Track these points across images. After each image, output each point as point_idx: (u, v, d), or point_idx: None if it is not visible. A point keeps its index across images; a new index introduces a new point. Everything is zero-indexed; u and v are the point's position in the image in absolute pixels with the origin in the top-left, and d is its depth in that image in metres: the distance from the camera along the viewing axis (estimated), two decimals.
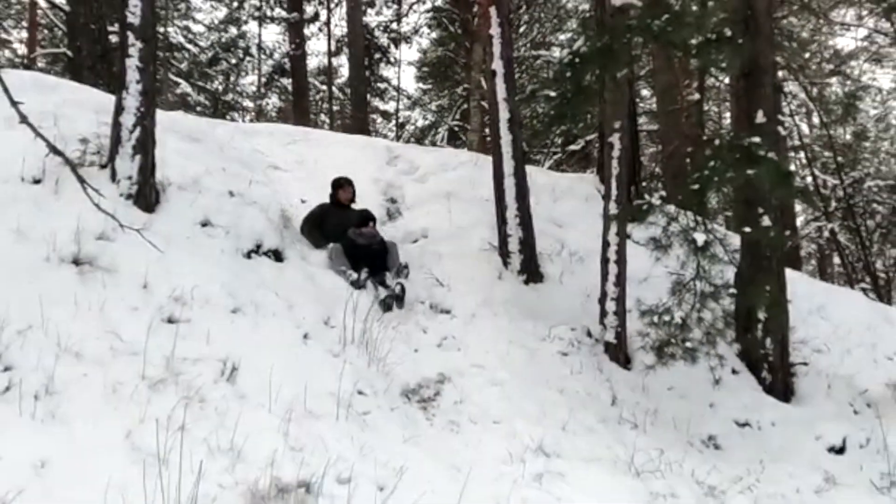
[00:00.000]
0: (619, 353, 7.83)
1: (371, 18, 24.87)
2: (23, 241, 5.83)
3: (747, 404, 7.76)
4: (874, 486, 6.78)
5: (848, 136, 22.41)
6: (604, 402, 7.12)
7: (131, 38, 6.74)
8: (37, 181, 6.50)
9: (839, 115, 20.18)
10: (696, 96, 16.10)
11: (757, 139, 6.92)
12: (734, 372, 8.17)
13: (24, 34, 22.58)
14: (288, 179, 9.83)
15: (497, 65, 9.01)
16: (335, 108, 27.56)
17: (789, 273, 9.16)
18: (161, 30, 21.04)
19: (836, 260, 23.79)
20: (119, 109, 6.76)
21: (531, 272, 8.85)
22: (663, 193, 7.31)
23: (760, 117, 7.92)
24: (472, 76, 19.66)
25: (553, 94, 7.51)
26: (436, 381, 6.76)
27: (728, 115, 20.34)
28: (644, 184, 13.41)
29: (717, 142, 7.48)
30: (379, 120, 29.05)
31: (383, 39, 25.72)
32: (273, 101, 28.64)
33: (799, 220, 20.98)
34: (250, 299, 6.52)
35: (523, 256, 8.84)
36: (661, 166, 18.26)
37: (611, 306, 7.85)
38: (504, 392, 6.73)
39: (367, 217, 8.50)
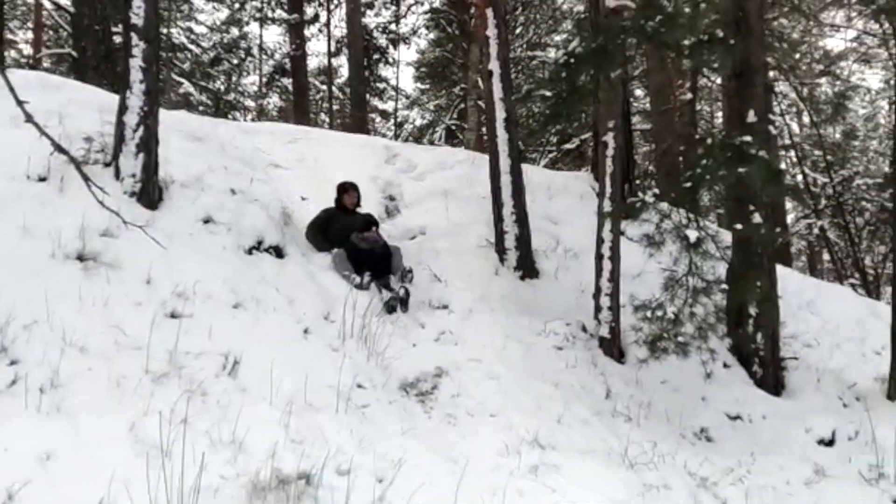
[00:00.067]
0: (612, 347, 7.83)
1: (370, 20, 24.89)
2: (28, 238, 5.83)
3: (738, 398, 7.77)
4: (863, 478, 6.80)
5: (837, 135, 22.45)
6: (598, 396, 7.12)
7: (135, 38, 6.73)
8: (42, 179, 6.49)
9: (829, 114, 20.22)
10: (689, 96, 16.07)
11: (748, 138, 6.92)
12: (726, 366, 8.17)
13: (30, 35, 22.60)
14: (288, 177, 9.82)
15: (494, 65, 9.01)
16: (335, 107, 27.55)
17: (780, 269, 9.17)
18: (164, 31, 20.98)
19: (826, 256, 23.84)
20: (123, 109, 6.75)
21: (527, 268, 8.85)
22: (656, 191, 7.32)
23: (752, 116, 7.92)
24: (469, 76, 19.64)
25: (548, 93, 7.51)
26: (433, 374, 6.76)
27: (720, 114, 20.38)
28: (638, 182, 13.38)
29: (709, 140, 7.50)
30: (378, 119, 29.05)
31: (382, 40, 25.72)
32: (274, 101, 28.66)
33: (789, 218, 20.97)
34: (251, 295, 6.51)
35: (519, 253, 8.84)
36: (654, 165, 18.21)
37: (605, 302, 7.85)
38: (500, 385, 6.73)
39: (370, 222, 8.41)
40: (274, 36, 44.69)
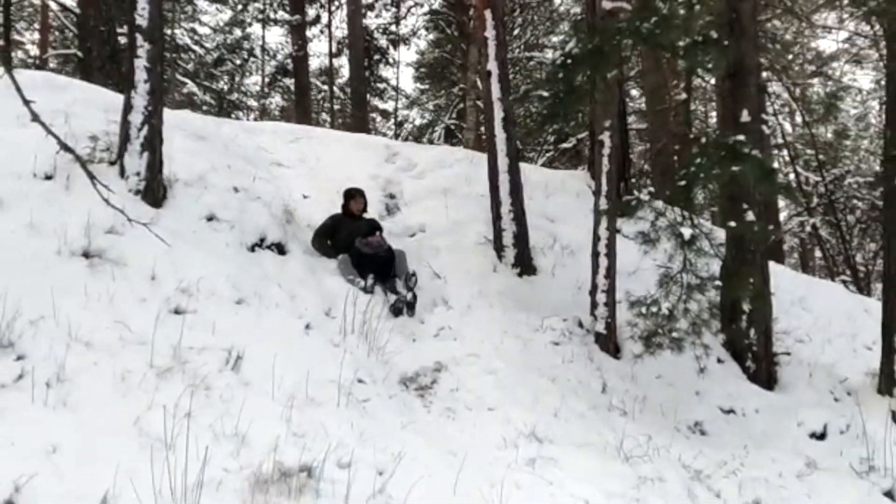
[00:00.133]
0: (608, 342, 7.83)
1: (371, 21, 24.84)
2: (35, 235, 5.83)
3: (732, 392, 7.77)
4: (854, 471, 6.81)
5: (829, 135, 22.42)
6: (594, 390, 7.13)
7: (139, 39, 6.74)
8: (48, 177, 6.49)
9: (821, 114, 20.20)
10: (684, 96, 16.10)
11: (742, 137, 6.91)
12: (719, 361, 8.18)
13: (37, 36, 22.59)
14: (290, 176, 9.80)
15: (492, 66, 9.00)
16: (336, 107, 27.52)
17: (772, 266, 9.18)
18: (168, 32, 20.96)
19: (818, 253, 23.83)
20: (128, 108, 6.75)
21: (524, 265, 8.84)
22: (652, 189, 7.33)
23: (745, 116, 7.92)
24: (467, 77, 19.61)
25: (546, 94, 7.48)
26: (433, 369, 6.76)
27: (714, 114, 20.30)
28: (633, 180, 13.36)
29: (703, 140, 7.51)
30: (378, 119, 29.03)
31: (382, 41, 25.70)
32: (276, 101, 28.63)
33: (782, 216, 20.97)
34: (254, 291, 6.51)
35: (517, 250, 8.83)
36: (649, 163, 18.24)
37: (601, 298, 7.85)
38: (498, 380, 6.73)
39: (373, 227, 8.39)
40: (276, 37, 44.62)
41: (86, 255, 5.88)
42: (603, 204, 7.87)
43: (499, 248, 8.91)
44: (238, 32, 25.31)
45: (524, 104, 17.81)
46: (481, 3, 9.19)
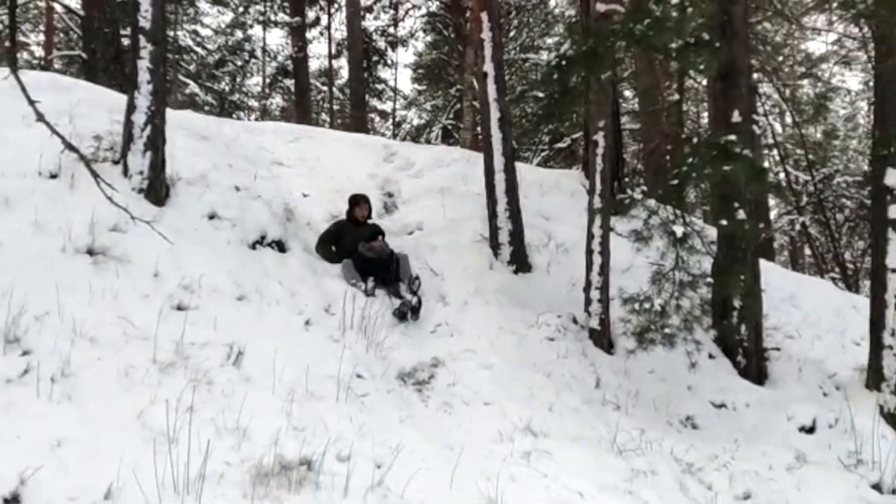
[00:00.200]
0: (602, 338, 7.84)
1: (369, 23, 24.85)
2: (40, 233, 5.82)
3: (723, 387, 7.78)
4: (842, 464, 6.83)
5: (819, 135, 22.44)
6: (588, 385, 7.13)
7: (143, 41, 6.72)
8: (53, 176, 6.48)
9: (810, 114, 20.25)
10: (676, 97, 16.06)
11: (733, 137, 6.91)
12: (711, 356, 8.18)
13: (42, 37, 22.56)
14: (291, 175, 9.79)
15: (488, 67, 9.00)
16: (335, 107, 27.53)
17: (763, 263, 9.18)
18: (171, 33, 20.94)
19: (808, 251, 23.84)
20: (131, 108, 6.74)
21: (520, 263, 8.85)
22: (644, 188, 7.32)
23: (736, 117, 7.92)
24: (464, 78, 19.60)
25: (541, 94, 7.50)
26: (430, 365, 6.77)
27: (706, 114, 20.36)
28: (626, 179, 13.36)
29: (695, 140, 7.51)
30: (377, 119, 29.04)
31: (381, 43, 25.69)
32: (277, 101, 28.62)
33: (772, 214, 21.03)
34: (255, 288, 6.51)
35: (512, 248, 8.84)
36: (642, 163, 18.24)
37: (595, 295, 7.85)
38: (494, 375, 6.74)
39: (377, 232, 8.34)
40: (276, 39, 44.53)
41: (90, 252, 5.87)
42: (597, 202, 7.87)
43: (495, 245, 8.91)
44: (239, 34, 25.30)
45: (520, 105, 17.87)
46: (478, 6, 9.18)
